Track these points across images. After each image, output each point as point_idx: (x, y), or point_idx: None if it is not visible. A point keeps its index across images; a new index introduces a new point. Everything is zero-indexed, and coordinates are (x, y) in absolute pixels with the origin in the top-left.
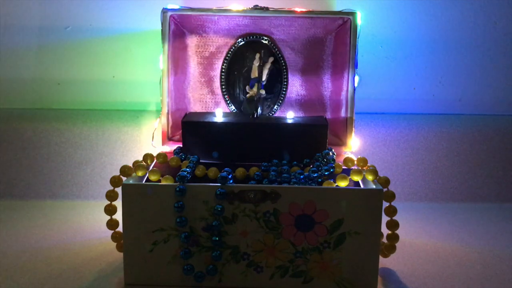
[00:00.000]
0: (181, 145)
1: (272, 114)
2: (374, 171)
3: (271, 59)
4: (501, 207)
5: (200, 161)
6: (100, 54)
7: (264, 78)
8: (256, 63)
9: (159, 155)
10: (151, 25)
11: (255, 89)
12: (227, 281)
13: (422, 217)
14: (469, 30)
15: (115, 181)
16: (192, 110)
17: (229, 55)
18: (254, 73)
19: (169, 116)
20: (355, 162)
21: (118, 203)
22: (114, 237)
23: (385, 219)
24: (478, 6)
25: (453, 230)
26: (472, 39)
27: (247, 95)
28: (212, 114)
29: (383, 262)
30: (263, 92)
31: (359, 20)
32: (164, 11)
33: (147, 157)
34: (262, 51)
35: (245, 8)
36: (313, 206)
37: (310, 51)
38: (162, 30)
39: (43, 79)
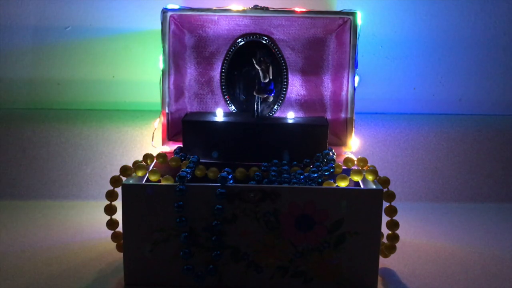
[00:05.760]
0: (181, 145)
1: (272, 114)
2: (374, 171)
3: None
4: (501, 207)
5: (200, 161)
6: (100, 54)
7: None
8: (262, 66)
9: (159, 155)
10: (151, 25)
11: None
12: (227, 281)
13: (422, 217)
14: (469, 30)
15: (115, 181)
16: (192, 110)
17: (229, 55)
18: (266, 76)
19: (169, 116)
20: (355, 162)
21: (118, 203)
22: (114, 237)
23: (385, 219)
24: (478, 6)
25: (453, 230)
26: (472, 39)
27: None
28: (212, 114)
29: (383, 262)
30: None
31: (359, 20)
32: (164, 11)
33: (147, 157)
34: (258, 53)
35: (245, 8)
36: (313, 206)
37: (310, 51)
38: (162, 30)
39: (43, 79)
